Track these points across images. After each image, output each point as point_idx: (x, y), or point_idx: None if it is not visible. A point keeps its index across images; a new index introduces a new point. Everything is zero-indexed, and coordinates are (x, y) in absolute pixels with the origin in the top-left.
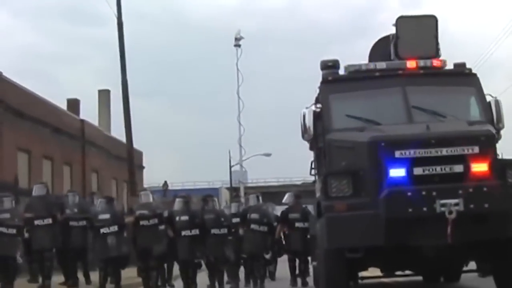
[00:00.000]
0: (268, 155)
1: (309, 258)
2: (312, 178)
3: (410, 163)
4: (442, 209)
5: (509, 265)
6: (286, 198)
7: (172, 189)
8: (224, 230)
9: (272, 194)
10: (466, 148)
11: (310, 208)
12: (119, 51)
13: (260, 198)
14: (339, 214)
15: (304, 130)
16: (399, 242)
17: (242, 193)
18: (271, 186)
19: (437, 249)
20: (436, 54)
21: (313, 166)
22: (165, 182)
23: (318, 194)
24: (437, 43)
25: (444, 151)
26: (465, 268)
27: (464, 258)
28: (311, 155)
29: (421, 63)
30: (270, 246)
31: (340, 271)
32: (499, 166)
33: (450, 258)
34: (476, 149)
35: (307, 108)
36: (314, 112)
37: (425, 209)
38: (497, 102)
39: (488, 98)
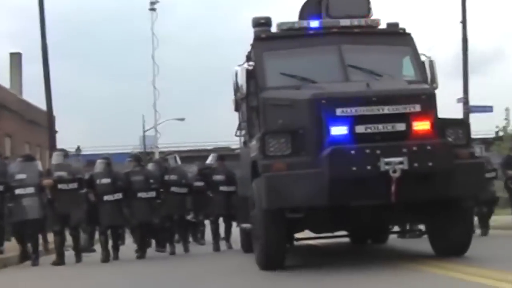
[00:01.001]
0: (181, 119)
1: (233, 223)
2: (227, 143)
3: (352, 121)
4: (386, 167)
5: (447, 225)
6: (210, 159)
7: (84, 153)
8: (152, 194)
9: (183, 158)
10: (407, 106)
11: None
12: (39, 13)
13: (178, 159)
14: (278, 173)
15: (237, 88)
16: (342, 201)
17: (157, 157)
18: (183, 151)
19: (379, 208)
20: (368, 13)
21: (241, 127)
22: (78, 147)
23: (253, 154)
24: (369, 2)
25: (386, 109)
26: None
27: (403, 219)
28: (231, 118)
29: (355, 22)
30: (192, 207)
31: (280, 232)
32: (440, 125)
33: (391, 218)
34: (418, 107)
35: (239, 66)
36: (247, 70)
37: (369, 167)
38: (431, 62)
39: (423, 58)
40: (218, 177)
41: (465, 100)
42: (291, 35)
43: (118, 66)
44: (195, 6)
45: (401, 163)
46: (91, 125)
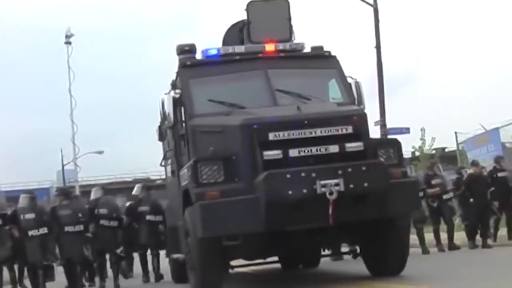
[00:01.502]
0: (100, 152)
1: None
2: (146, 174)
3: (285, 145)
4: (323, 190)
5: (383, 245)
6: (135, 190)
7: (3, 190)
8: (80, 227)
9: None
10: (340, 128)
11: None
12: None
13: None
14: (213, 201)
15: (164, 117)
16: (279, 226)
17: (77, 191)
18: (103, 184)
19: (314, 231)
20: (290, 37)
21: (167, 157)
22: None
23: (185, 183)
24: (291, 26)
25: (319, 132)
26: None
27: (338, 241)
28: (149, 150)
29: (280, 46)
30: (121, 241)
31: (216, 260)
32: (372, 145)
33: (325, 241)
34: (350, 129)
35: (166, 94)
36: (174, 98)
37: (305, 190)
38: (357, 84)
39: (349, 80)
40: (143, 208)
41: (382, 122)
42: (217, 62)
43: (35, 101)
44: (109, 39)
45: (337, 185)
46: (9, 162)
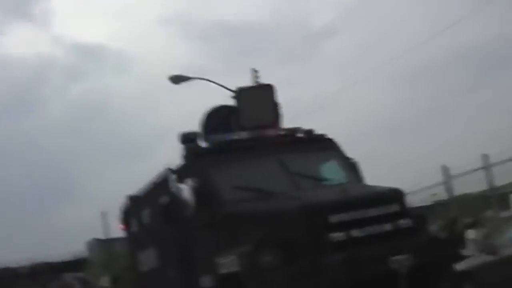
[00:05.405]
0: None
1: None
2: None
3: (346, 225)
4: (395, 265)
5: None
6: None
7: None
8: None
9: None
10: (389, 207)
11: None
12: None
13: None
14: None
15: (188, 207)
16: None
17: None
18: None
19: None
20: (277, 122)
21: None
22: None
23: (230, 269)
24: (277, 110)
25: (372, 212)
26: None
27: None
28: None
29: (281, 131)
30: None
31: None
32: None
33: None
34: (397, 207)
35: (183, 184)
36: (195, 187)
37: (380, 267)
38: (356, 164)
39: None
40: None
41: None
42: (228, 148)
43: None
44: None
45: (406, 259)
46: None
